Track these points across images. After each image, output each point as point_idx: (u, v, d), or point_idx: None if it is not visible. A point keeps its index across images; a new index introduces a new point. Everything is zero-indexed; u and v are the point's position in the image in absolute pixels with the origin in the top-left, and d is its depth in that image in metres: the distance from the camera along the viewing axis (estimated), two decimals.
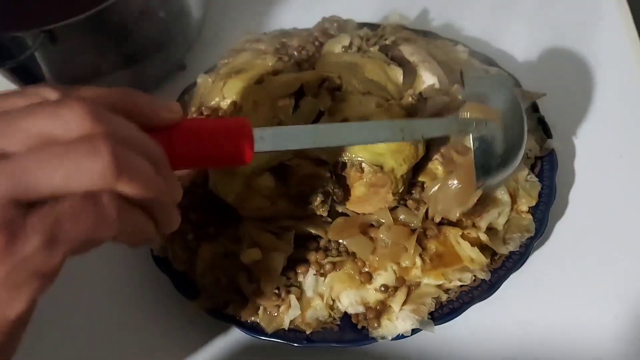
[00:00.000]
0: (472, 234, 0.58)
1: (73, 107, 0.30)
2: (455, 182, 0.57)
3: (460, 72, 0.58)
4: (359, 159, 0.55)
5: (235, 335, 0.60)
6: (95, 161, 0.29)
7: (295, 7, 0.94)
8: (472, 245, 0.57)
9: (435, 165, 0.59)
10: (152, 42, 0.76)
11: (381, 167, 0.55)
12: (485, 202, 0.59)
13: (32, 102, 0.31)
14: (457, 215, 0.57)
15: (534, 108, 0.69)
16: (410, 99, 0.57)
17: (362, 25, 0.76)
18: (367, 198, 0.57)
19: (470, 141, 0.53)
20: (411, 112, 0.57)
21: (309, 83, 0.59)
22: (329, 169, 0.56)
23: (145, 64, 0.77)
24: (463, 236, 0.58)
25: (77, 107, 0.30)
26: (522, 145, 0.56)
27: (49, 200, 0.29)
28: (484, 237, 0.58)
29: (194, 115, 0.63)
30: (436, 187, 0.57)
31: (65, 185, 0.29)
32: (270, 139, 0.41)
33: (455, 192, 0.56)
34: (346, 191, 0.58)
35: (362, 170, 0.56)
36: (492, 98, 0.55)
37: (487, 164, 0.54)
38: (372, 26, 0.78)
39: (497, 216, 0.60)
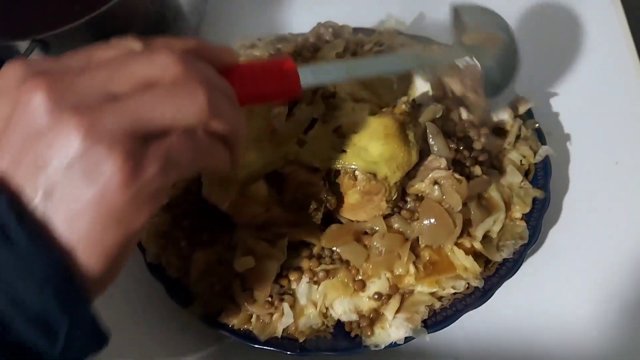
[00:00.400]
0: (466, 243, 0.58)
1: (166, 54, 0.35)
2: (432, 219, 0.57)
3: (453, 10, 0.59)
4: (353, 166, 0.55)
5: (229, 343, 0.59)
6: (195, 102, 0.34)
7: (292, 11, 0.94)
8: (466, 253, 0.57)
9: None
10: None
11: (374, 175, 0.55)
12: (481, 210, 0.59)
13: (122, 53, 0.36)
14: (451, 246, 0.57)
15: (529, 114, 0.69)
16: (403, 106, 0.57)
17: (358, 30, 0.76)
18: (360, 206, 0.57)
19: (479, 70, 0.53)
20: (405, 119, 0.57)
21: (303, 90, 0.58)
22: (322, 177, 0.56)
23: None
24: (457, 245, 0.58)
25: (169, 54, 0.35)
26: (518, 66, 0.56)
27: (160, 134, 0.34)
28: (478, 246, 0.58)
29: None
30: (416, 229, 0.57)
31: (172, 121, 0.34)
32: (311, 74, 0.45)
33: (436, 228, 0.57)
34: (340, 199, 0.58)
35: (355, 178, 0.55)
36: (488, 24, 0.58)
37: (492, 86, 0.54)
38: (368, 31, 0.78)
39: (492, 224, 0.60)
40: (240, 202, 0.57)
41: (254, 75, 0.42)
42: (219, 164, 0.38)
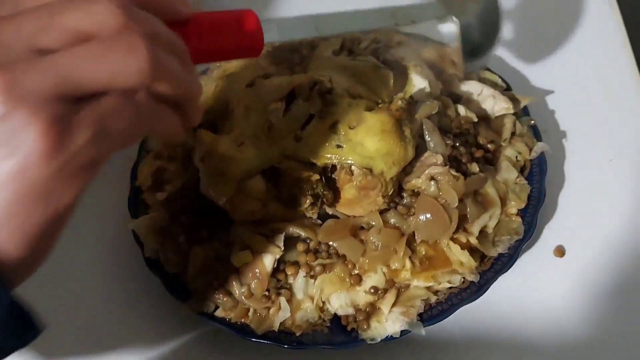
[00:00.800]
0: (462, 238, 0.58)
1: (105, 3, 0.30)
2: (427, 215, 0.57)
3: None
4: (349, 161, 0.56)
5: (226, 337, 0.60)
6: (135, 60, 0.30)
7: (291, 7, 0.95)
8: (462, 248, 0.58)
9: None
10: None
11: (371, 170, 0.56)
12: (477, 206, 0.60)
13: (55, 0, 0.31)
14: (447, 241, 0.58)
15: (525, 112, 0.70)
16: (399, 102, 0.57)
17: None
18: (357, 200, 0.58)
19: (457, 27, 0.53)
20: (401, 115, 0.57)
21: (300, 86, 0.59)
22: (319, 172, 0.57)
23: None
24: (453, 240, 0.58)
25: (109, 3, 0.30)
26: (500, 25, 0.55)
27: (92, 97, 0.30)
28: (474, 241, 0.59)
29: None
30: (412, 224, 0.58)
31: (108, 82, 0.30)
32: (277, 29, 0.41)
33: (432, 223, 0.57)
34: (336, 194, 0.58)
35: (351, 173, 0.56)
36: None
37: (473, 45, 0.53)
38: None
39: (488, 219, 0.60)
40: (238, 198, 0.57)
41: (211, 29, 0.38)
42: (168, 131, 0.34)
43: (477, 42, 0.52)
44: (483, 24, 0.52)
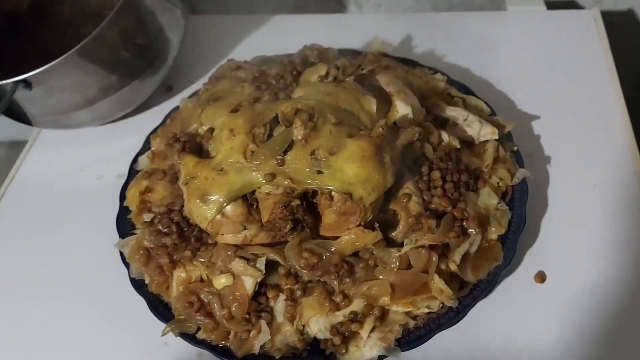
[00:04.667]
0: (442, 266, 0.59)
1: None
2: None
3: None
4: (329, 187, 0.57)
5: (207, 358, 0.60)
6: None
7: (281, 30, 0.97)
8: (442, 275, 0.58)
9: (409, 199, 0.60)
10: (130, 70, 0.79)
11: (350, 196, 0.56)
12: (459, 237, 0.60)
13: None
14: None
15: (508, 137, 0.70)
16: (380, 129, 0.58)
17: (343, 52, 0.78)
18: (337, 225, 0.58)
19: None
20: (381, 142, 0.58)
21: (284, 113, 0.60)
22: (299, 197, 0.57)
23: (129, 88, 0.79)
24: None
25: None
26: None
27: None
28: (454, 268, 0.59)
29: (170, 142, 0.64)
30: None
31: None
32: None
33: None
34: (317, 218, 0.59)
35: (331, 198, 0.57)
36: None
37: None
38: (353, 53, 0.80)
39: (468, 247, 0.61)
40: (219, 221, 0.58)
41: None
42: None
43: None
44: None
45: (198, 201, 0.58)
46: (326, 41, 0.80)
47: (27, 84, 0.70)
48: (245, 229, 0.59)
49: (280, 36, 0.96)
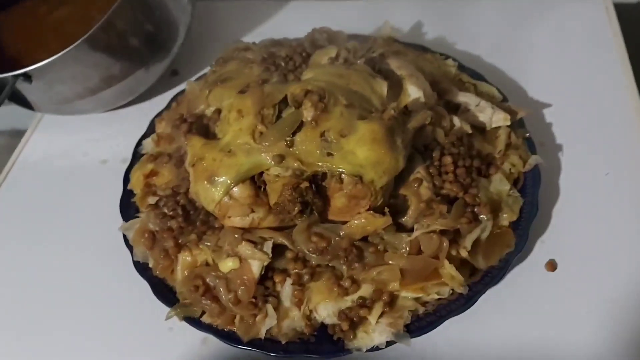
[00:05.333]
0: (453, 252, 0.57)
1: None
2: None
3: None
4: (339, 170, 0.55)
5: (213, 343, 0.59)
6: None
7: (289, 16, 0.96)
8: (453, 261, 0.57)
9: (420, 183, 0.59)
10: (133, 60, 0.78)
11: (361, 178, 0.55)
12: (470, 223, 0.59)
13: None
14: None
15: (520, 124, 0.69)
16: (392, 111, 0.57)
17: (353, 37, 0.77)
18: (347, 209, 0.57)
19: None
20: (393, 125, 0.57)
21: (293, 94, 0.59)
22: (308, 179, 0.56)
23: (133, 77, 0.78)
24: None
25: None
26: None
27: None
28: (464, 254, 0.58)
29: (177, 123, 0.63)
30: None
31: None
32: None
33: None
34: (326, 202, 0.58)
35: (341, 181, 0.56)
36: None
37: None
38: (363, 38, 0.79)
39: (479, 233, 0.60)
40: (227, 203, 0.57)
41: None
42: None
43: None
44: None
45: (205, 182, 0.57)
46: (335, 27, 0.78)
47: (27, 77, 0.70)
48: (252, 211, 0.57)
49: (288, 22, 0.95)
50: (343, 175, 0.56)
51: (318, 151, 0.56)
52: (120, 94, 0.81)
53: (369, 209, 0.57)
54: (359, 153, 0.56)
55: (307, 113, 0.57)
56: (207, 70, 0.77)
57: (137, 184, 0.68)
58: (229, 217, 0.58)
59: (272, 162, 0.56)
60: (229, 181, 0.57)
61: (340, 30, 0.76)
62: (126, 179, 0.71)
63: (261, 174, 0.57)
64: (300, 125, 0.58)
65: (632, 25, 0.93)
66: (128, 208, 0.68)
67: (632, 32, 0.88)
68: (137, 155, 0.74)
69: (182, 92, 0.78)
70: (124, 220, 0.67)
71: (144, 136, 0.76)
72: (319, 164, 0.56)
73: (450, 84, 0.71)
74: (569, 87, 0.79)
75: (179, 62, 0.88)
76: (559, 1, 0.93)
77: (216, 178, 0.57)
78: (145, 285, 0.61)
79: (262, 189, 0.58)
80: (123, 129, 0.83)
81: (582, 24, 0.87)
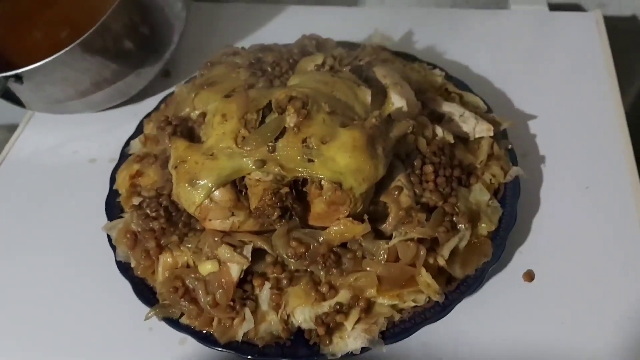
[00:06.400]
0: (430, 260, 0.58)
1: None
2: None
3: None
4: (319, 176, 0.56)
5: (191, 344, 0.60)
6: None
7: (284, 21, 0.96)
8: (430, 269, 0.58)
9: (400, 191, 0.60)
10: (125, 65, 0.78)
11: (340, 185, 0.56)
12: (448, 231, 0.60)
13: None
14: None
15: (503, 135, 0.70)
16: (374, 120, 0.58)
17: (342, 44, 0.78)
18: (326, 215, 0.58)
19: None
20: (374, 133, 0.58)
21: (277, 99, 0.60)
22: (289, 185, 0.57)
23: (124, 81, 0.79)
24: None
25: None
26: None
27: None
28: (442, 262, 0.59)
29: (162, 125, 0.64)
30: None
31: None
32: None
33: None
34: (307, 207, 0.58)
35: (321, 187, 0.56)
36: None
37: None
38: (352, 46, 0.80)
39: (457, 241, 0.60)
40: (207, 207, 0.58)
41: None
42: None
43: None
44: None
45: (187, 185, 0.58)
46: (327, 33, 0.79)
47: (18, 78, 0.71)
48: (233, 215, 0.58)
49: (280, 27, 0.96)
50: (323, 182, 0.56)
51: (299, 157, 0.57)
52: (111, 96, 0.82)
53: (348, 216, 0.58)
54: (339, 160, 0.56)
55: (290, 119, 0.58)
56: (195, 73, 0.78)
57: (122, 184, 0.68)
58: (210, 220, 0.59)
59: (254, 167, 0.57)
60: (210, 184, 0.57)
61: (329, 37, 0.77)
62: (113, 179, 0.71)
63: (242, 178, 0.58)
64: (283, 131, 0.58)
65: (622, 39, 0.94)
66: (113, 208, 0.69)
67: (621, 47, 0.89)
68: (124, 156, 0.74)
69: (172, 93, 0.79)
70: (109, 219, 0.67)
71: (132, 137, 0.76)
72: (300, 169, 0.57)
73: (436, 93, 0.72)
74: (555, 99, 0.80)
75: (171, 64, 0.89)
76: (549, 14, 0.94)
77: (197, 181, 0.58)
78: (126, 285, 0.62)
79: (243, 193, 0.59)
80: (113, 129, 0.84)
81: (571, 38, 0.87)
